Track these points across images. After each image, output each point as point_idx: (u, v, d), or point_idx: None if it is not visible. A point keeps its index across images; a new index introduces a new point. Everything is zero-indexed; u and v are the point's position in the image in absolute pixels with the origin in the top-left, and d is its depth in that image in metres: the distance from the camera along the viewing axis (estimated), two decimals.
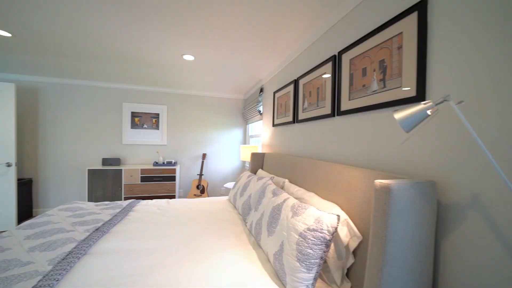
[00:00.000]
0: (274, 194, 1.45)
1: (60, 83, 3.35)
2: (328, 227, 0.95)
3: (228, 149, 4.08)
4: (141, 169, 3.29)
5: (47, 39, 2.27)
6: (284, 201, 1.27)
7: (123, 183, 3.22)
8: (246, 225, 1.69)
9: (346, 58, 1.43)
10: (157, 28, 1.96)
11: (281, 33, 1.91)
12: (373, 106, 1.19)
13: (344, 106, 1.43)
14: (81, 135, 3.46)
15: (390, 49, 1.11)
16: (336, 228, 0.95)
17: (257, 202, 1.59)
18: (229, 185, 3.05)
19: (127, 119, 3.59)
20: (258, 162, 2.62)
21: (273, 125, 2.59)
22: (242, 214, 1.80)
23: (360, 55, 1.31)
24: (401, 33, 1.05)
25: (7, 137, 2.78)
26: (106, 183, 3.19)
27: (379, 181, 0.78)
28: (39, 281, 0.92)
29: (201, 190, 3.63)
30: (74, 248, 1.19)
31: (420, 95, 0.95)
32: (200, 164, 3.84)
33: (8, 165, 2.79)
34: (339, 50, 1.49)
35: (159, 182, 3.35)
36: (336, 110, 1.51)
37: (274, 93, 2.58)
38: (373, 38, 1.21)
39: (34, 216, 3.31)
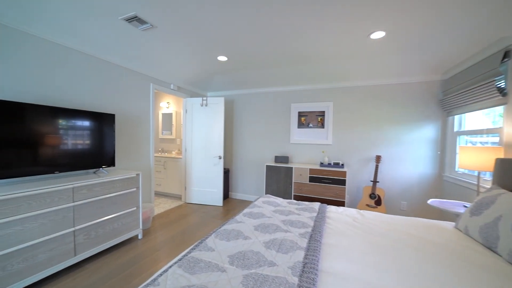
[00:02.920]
0: None
1: (246, 93, 4.13)
2: None
3: (411, 151, 3.06)
4: (310, 169, 3.23)
5: (246, 57, 2.70)
6: None
7: (293, 180, 3.34)
8: None
9: None
10: (340, 10, 1.61)
11: None
12: None
13: None
14: (259, 135, 4.06)
15: None
16: None
17: None
18: (434, 202, 2.14)
19: (294, 119, 3.74)
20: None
21: None
22: None
23: None
24: None
25: (219, 137, 3.78)
26: (279, 179, 3.46)
27: None
28: None
29: (375, 200, 2.98)
30: (304, 258, 1.08)
31: None
32: (374, 168, 3.18)
33: (220, 157, 3.78)
34: None
35: (326, 184, 3.13)
36: None
37: None
38: None
39: (230, 197, 4.36)
